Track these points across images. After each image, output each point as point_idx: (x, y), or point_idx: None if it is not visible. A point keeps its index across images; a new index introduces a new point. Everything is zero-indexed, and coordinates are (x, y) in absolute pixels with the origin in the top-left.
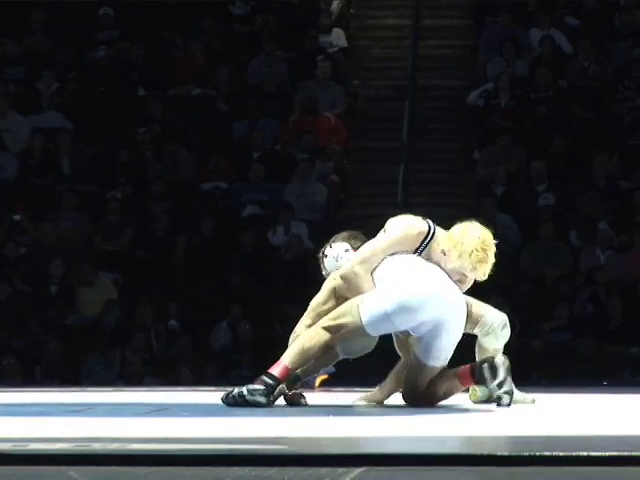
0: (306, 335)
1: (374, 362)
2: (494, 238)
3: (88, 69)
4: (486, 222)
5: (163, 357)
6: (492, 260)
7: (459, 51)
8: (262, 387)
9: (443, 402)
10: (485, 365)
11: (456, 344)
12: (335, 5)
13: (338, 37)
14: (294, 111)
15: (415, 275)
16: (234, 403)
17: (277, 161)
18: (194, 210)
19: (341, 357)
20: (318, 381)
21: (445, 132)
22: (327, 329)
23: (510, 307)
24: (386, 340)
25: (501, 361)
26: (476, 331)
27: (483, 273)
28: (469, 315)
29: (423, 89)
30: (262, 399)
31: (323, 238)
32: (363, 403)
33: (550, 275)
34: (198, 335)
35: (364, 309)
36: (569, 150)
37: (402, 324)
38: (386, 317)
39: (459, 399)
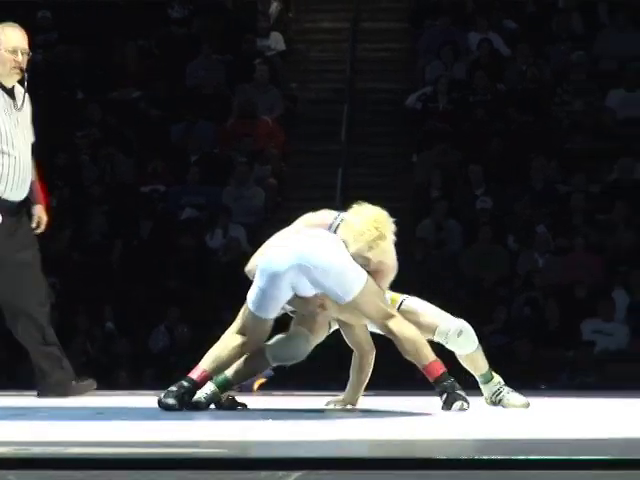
0: (220, 340)
1: (313, 365)
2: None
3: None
4: (436, 226)
5: (100, 361)
6: (389, 238)
7: (397, 54)
8: (175, 389)
9: (382, 400)
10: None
11: (349, 267)
12: (273, 8)
13: (276, 40)
14: (232, 114)
15: (276, 244)
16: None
17: (215, 164)
18: (132, 213)
19: (273, 364)
20: (256, 385)
21: (383, 135)
22: (231, 331)
23: (449, 311)
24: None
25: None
26: (436, 339)
27: (382, 251)
28: (422, 325)
29: (361, 92)
30: (172, 400)
31: (261, 241)
32: (337, 407)
33: (488, 279)
34: (136, 338)
35: (248, 298)
36: (507, 153)
37: (276, 290)
38: (261, 292)
39: (400, 404)
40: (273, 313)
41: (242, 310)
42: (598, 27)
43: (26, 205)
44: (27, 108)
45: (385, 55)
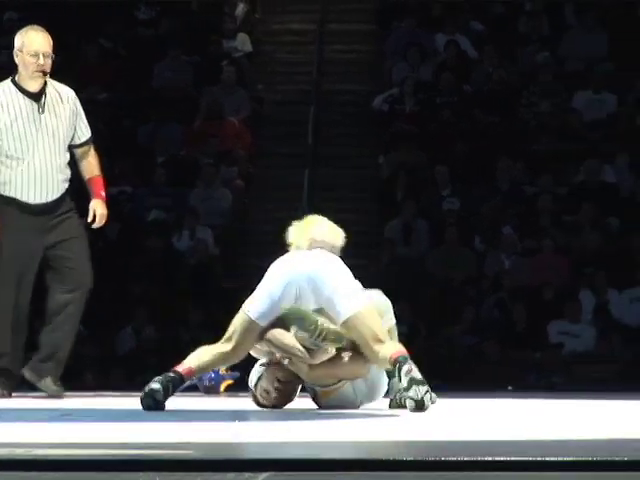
0: (212, 346)
1: None
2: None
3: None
4: (403, 227)
5: (67, 362)
6: (312, 223)
7: (364, 56)
8: (161, 377)
9: (350, 407)
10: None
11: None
12: (240, 10)
13: (243, 42)
14: (199, 116)
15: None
16: (147, 405)
17: (182, 166)
18: None
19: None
20: (223, 386)
21: (350, 137)
22: (224, 338)
23: (416, 311)
24: None
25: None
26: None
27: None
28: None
29: (328, 94)
30: (156, 385)
31: (228, 243)
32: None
33: (456, 279)
34: (103, 340)
35: (247, 306)
36: (473, 155)
37: (281, 296)
38: (266, 295)
39: (370, 405)
40: (268, 320)
41: (235, 320)
42: (564, 28)
43: (65, 204)
44: (61, 111)
45: (352, 57)
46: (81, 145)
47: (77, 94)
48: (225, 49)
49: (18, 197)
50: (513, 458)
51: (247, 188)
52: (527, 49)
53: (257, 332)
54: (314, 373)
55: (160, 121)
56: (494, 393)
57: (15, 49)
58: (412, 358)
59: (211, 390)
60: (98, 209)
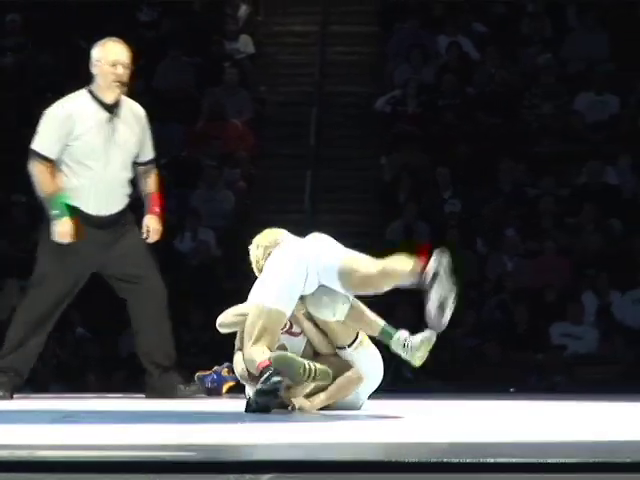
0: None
1: None
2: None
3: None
4: (405, 228)
5: (70, 364)
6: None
7: (366, 58)
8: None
9: (353, 409)
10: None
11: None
12: (242, 11)
13: (245, 43)
14: (201, 117)
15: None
16: (256, 408)
17: (184, 167)
18: None
19: None
20: (225, 388)
21: (352, 138)
22: (253, 340)
23: (419, 314)
24: None
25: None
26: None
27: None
28: (366, 321)
29: (330, 95)
30: (276, 378)
31: (230, 244)
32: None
33: (457, 282)
34: (105, 341)
35: (262, 298)
36: (476, 157)
37: (298, 277)
38: (284, 280)
39: (370, 407)
40: (293, 307)
41: (256, 319)
42: (567, 30)
43: (126, 217)
44: (133, 126)
45: (354, 58)
46: (145, 164)
47: None
48: (227, 50)
49: (82, 208)
50: (515, 460)
51: (249, 190)
52: (529, 50)
53: (284, 320)
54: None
55: (162, 122)
56: (496, 395)
57: (93, 59)
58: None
59: (213, 392)
60: (152, 224)
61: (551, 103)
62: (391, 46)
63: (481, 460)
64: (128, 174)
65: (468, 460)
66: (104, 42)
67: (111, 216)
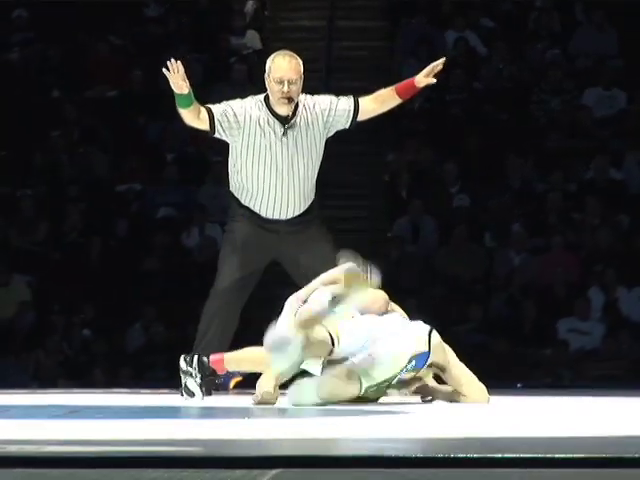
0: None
1: None
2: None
3: (2, 71)
4: (411, 224)
5: (77, 359)
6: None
7: (374, 53)
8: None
9: (359, 402)
10: None
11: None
12: (249, 7)
13: (252, 39)
14: None
15: None
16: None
17: (191, 163)
18: (109, 212)
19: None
20: (233, 383)
21: (359, 134)
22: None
23: (425, 309)
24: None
25: None
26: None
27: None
28: None
29: (337, 91)
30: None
31: None
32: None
33: (464, 277)
34: (112, 337)
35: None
36: (483, 152)
37: None
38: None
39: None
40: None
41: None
42: (575, 25)
43: (304, 217)
44: (315, 133)
45: (361, 54)
46: (357, 111)
47: (86, 91)
48: (234, 46)
49: (252, 207)
50: (522, 455)
51: None
52: (537, 46)
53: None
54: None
55: (169, 118)
56: (503, 390)
57: (265, 74)
58: None
59: (220, 387)
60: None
61: (559, 98)
62: (398, 41)
63: (488, 455)
64: (309, 185)
65: (475, 455)
66: (273, 56)
67: (287, 220)
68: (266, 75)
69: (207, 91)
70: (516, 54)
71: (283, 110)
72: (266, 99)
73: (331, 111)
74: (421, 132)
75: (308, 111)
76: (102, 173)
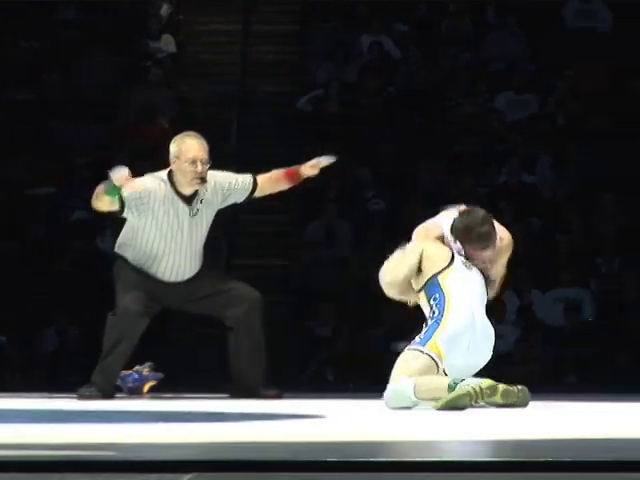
0: None
1: (201, 369)
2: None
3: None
4: (326, 228)
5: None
6: None
7: (289, 57)
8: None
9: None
10: None
11: None
12: (164, 10)
13: (167, 42)
14: (123, 116)
15: None
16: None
17: (104, 166)
18: (23, 215)
19: None
20: (146, 387)
21: (275, 138)
22: None
23: (339, 313)
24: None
25: None
26: None
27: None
28: None
29: (253, 95)
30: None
31: None
32: None
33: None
34: (25, 341)
35: None
36: (397, 156)
37: None
38: None
39: (290, 407)
40: None
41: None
42: (487, 30)
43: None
44: (214, 207)
45: (276, 57)
46: (253, 188)
47: None
48: (149, 49)
49: (146, 270)
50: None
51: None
52: (450, 50)
53: None
54: None
55: (83, 122)
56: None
57: (171, 155)
58: (335, 359)
59: (134, 391)
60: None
61: (471, 102)
62: (313, 45)
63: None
64: (202, 245)
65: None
66: (182, 138)
67: (182, 280)
68: (174, 157)
69: (121, 94)
70: (429, 58)
71: (189, 190)
72: (169, 177)
73: (230, 190)
74: (335, 136)
75: (209, 189)
76: (16, 176)
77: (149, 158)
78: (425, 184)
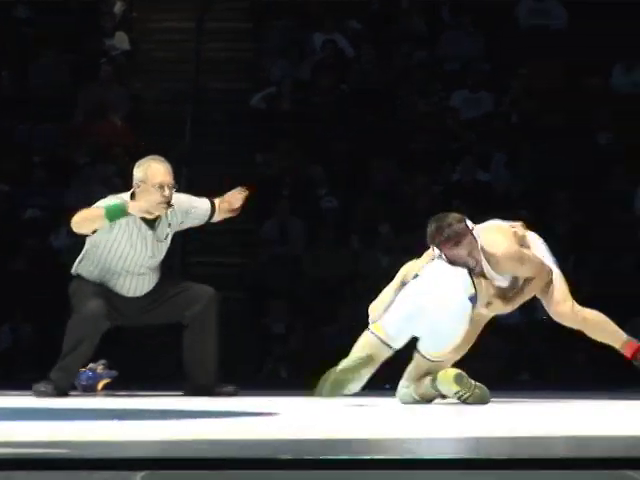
0: None
1: (154, 366)
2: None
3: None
4: (279, 226)
5: None
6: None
7: (242, 54)
8: None
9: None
10: None
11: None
12: (118, 8)
13: (121, 40)
14: (77, 114)
15: None
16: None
17: (59, 164)
18: None
19: None
20: (100, 385)
21: (228, 135)
22: None
23: (293, 310)
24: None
25: None
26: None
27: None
28: None
29: (206, 92)
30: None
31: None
32: None
33: (332, 278)
34: None
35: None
36: (350, 154)
37: None
38: None
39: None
40: None
41: None
42: (442, 28)
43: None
44: (169, 230)
45: (230, 55)
46: (211, 213)
47: None
48: (103, 47)
49: (106, 285)
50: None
51: (126, 186)
52: (404, 48)
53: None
54: None
55: (38, 120)
56: (372, 392)
57: (136, 180)
58: (289, 356)
59: (89, 389)
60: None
61: (426, 100)
62: (267, 43)
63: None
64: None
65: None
66: (147, 163)
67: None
68: (139, 181)
69: (75, 92)
70: (383, 56)
71: (155, 214)
72: (132, 199)
73: (189, 213)
74: (289, 134)
75: (170, 211)
76: None
77: (100, 155)
78: (378, 182)
